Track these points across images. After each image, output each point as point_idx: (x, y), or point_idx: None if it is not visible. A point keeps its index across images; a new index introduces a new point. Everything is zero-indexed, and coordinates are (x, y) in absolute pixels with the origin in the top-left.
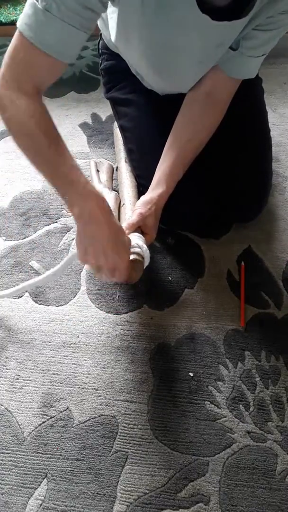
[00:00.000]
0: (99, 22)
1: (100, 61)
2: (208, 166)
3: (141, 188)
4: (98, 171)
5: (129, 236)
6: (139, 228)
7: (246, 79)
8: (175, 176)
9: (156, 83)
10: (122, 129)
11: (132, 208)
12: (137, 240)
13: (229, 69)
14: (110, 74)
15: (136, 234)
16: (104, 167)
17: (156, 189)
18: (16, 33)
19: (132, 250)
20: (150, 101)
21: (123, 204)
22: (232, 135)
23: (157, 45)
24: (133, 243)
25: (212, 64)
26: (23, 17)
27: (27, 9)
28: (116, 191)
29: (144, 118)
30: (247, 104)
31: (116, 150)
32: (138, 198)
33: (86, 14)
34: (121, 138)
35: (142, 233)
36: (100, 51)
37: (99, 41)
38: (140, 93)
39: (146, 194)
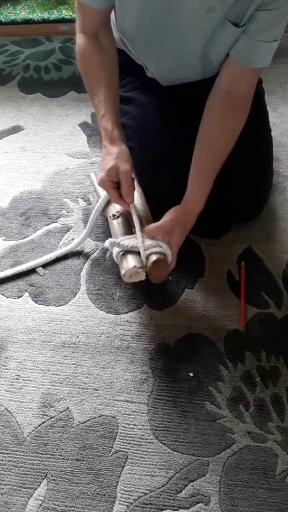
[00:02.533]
0: None
1: None
2: None
3: (145, 188)
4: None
5: (150, 238)
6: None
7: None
8: (208, 179)
9: (156, 65)
10: (123, 127)
11: (145, 216)
12: (157, 240)
13: (240, 56)
14: None
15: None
16: None
17: (190, 196)
18: None
19: (153, 250)
20: (152, 98)
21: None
22: None
23: (150, 10)
24: (153, 243)
25: (205, 33)
26: None
27: None
28: None
29: (146, 116)
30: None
31: None
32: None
33: None
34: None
35: None
36: None
37: None
38: (142, 91)
39: (180, 207)
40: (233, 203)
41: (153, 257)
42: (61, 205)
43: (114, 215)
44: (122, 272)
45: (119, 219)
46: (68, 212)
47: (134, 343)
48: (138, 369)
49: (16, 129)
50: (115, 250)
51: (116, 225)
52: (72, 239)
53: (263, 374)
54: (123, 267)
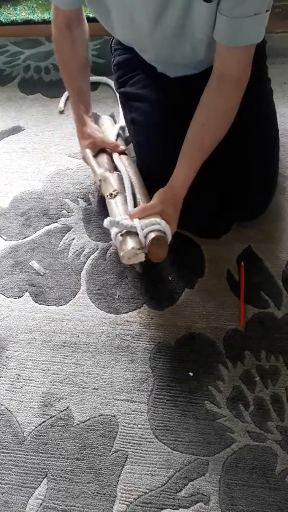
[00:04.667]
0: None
1: (112, 58)
2: (214, 165)
3: (148, 183)
4: (95, 156)
5: (148, 217)
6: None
7: (255, 81)
8: (193, 164)
9: (153, 51)
10: (132, 122)
11: (141, 192)
12: (155, 218)
13: (223, 37)
14: (123, 68)
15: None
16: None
17: (175, 179)
18: None
19: (152, 228)
20: (162, 95)
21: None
22: (240, 135)
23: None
24: (151, 220)
25: (179, 12)
26: None
27: None
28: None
29: (155, 113)
30: (256, 104)
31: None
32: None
33: None
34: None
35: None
36: (112, 48)
37: (111, 40)
38: (152, 88)
39: (167, 184)
40: (238, 201)
41: (152, 235)
42: (61, 205)
43: (111, 194)
44: (121, 253)
45: (117, 198)
46: (68, 212)
47: (134, 343)
48: (138, 369)
49: (16, 130)
50: (114, 230)
51: (113, 204)
52: (73, 239)
53: (263, 373)
54: (122, 249)
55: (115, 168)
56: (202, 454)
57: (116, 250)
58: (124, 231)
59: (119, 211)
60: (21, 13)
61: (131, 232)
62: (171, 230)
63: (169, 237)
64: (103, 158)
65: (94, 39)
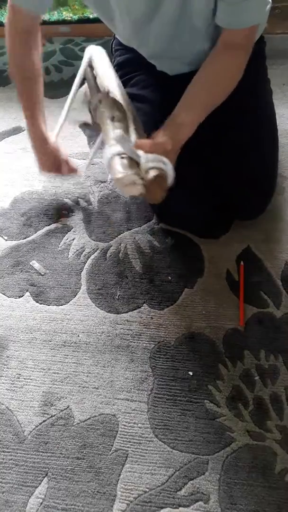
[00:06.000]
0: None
1: (113, 59)
2: (214, 164)
3: None
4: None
5: (149, 154)
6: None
7: (254, 81)
8: (201, 111)
9: (152, 42)
10: None
11: (136, 125)
12: (158, 157)
13: (227, 22)
14: (124, 68)
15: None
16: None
17: (177, 122)
18: None
19: (157, 164)
20: (163, 96)
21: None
22: (239, 135)
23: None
24: (156, 156)
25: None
26: None
27: None
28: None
29: (156, 113)
30: (255, 105)
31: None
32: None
33: None
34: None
35: None
36: (113, 49)
37: (112, 41)
38: (153, 88)
39: (166, 127)
40: (237, 201)
41: (154, 172)
42: (61, 206)
43: (113, 118)
44: (119, 175)
45: (117, 125)
46: (68, 213)
47: (134, 342)
48: (138, 368)
49: (17, 130)
50: (113, 149)
51: (113, 127)
52: (73, 239)
53: (262, 373)
54: (119, 171)
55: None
56: (202, 453)
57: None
58: (126, 155)
59: (122, 135)
60: None
61: (132, 160)
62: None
63: (171, 179)
64: (90, 81)
65: (95, 39)
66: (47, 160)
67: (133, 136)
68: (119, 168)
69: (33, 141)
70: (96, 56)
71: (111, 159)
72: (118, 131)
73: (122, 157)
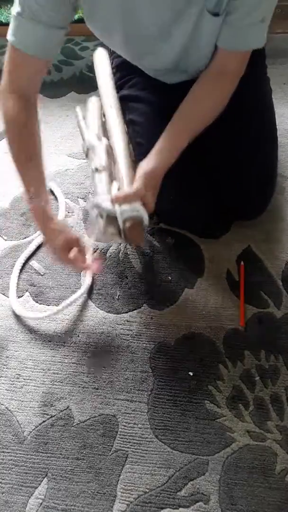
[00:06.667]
0: None
1: (111, 61)
2: (214, 164)
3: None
4: (84, 118)
5: (123, 206)
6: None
7: (254, 80)
8: (179, 144)
9: (158, 62)
10: (131, 123)
11: (128, 166)
12: (135, 204)
13: (229, 44)
14: (122, 70)
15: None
16: (90, 110)
17: (158, 158)
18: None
19: (131, 214)
20: (160, 98)
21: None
22: (238, 135)
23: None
24: (132, 206)
25: (187, 27)
26: (9, 26)
27: (11, 19)
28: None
29: (154, 113)
30: (255, 104)
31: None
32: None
33: (52, 11)
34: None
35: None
36: (110, 50)
37: None
38: (150, 90)
39: (147, 161)
40: (238, 201)
41: (129, 223)
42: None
43: (97, 169)
44: (99, 236)
45: (102, 174)
46: (68, 213)
47: (134, 343)
48: (138, 368)
49: None
50: (94, 211)
51: (97, 179)
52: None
53: (262, 373)
54: (100, 231)
55: (105, 130)
56: (202, 454)
57: (98, 232)
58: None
59: (103, 189)
60: None
61: (109, 216)
62: (149, 210)
63: (146, 222)
64: (94, 114)
65: (94, 40)
66: (55, 237)
67: (114, 187)
68: (99, 228)
69: (40, 221)
70: (98, 64)
71: (93, 219)
72: (89, 201)
73: (101, 216)
